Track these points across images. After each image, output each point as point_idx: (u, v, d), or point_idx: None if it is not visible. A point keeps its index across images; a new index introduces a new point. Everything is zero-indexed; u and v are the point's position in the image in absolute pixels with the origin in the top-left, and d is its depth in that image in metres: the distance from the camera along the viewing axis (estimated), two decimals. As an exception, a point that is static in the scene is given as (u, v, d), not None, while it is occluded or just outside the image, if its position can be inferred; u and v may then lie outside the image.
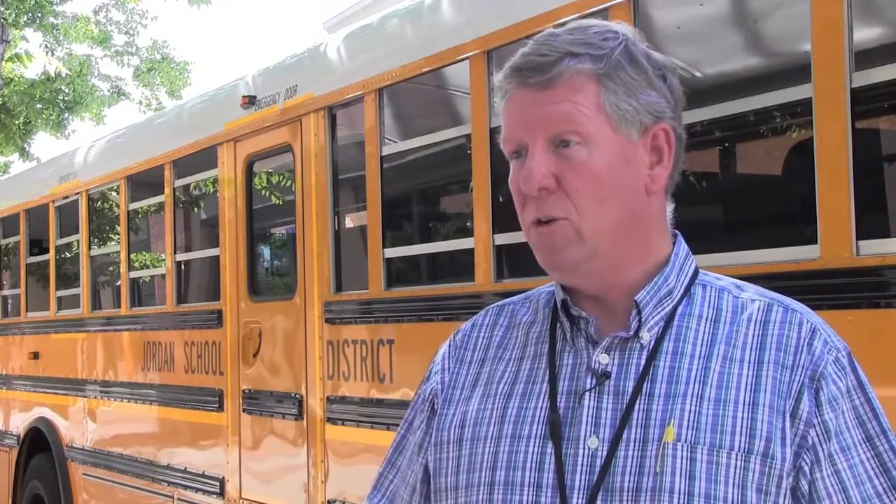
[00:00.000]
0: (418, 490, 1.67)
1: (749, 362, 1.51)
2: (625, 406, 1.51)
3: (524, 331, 1.65)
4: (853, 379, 1.53)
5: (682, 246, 1.60)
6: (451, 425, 1.62)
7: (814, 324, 1.55)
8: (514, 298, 1.71)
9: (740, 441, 1.47)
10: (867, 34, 3.44)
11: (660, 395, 1.50)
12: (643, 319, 1.54)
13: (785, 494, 1.48)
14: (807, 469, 1.49)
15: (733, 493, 1.45)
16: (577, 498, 1.49)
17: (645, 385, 1.51)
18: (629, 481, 1.47)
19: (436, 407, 1.66)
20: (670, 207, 1.60)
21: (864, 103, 3.34)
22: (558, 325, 1.60)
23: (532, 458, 1.53)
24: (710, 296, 1.58)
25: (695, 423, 1.48)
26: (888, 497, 1.51)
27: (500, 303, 1.72)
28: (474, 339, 1.69)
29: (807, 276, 3.35)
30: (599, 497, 1.48)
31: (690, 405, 1.49)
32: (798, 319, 1.54)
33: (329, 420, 5.63)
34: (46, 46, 20.58)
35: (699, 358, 1.52)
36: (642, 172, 1.53)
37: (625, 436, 1.49)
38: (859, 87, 3.28)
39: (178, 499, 7.18)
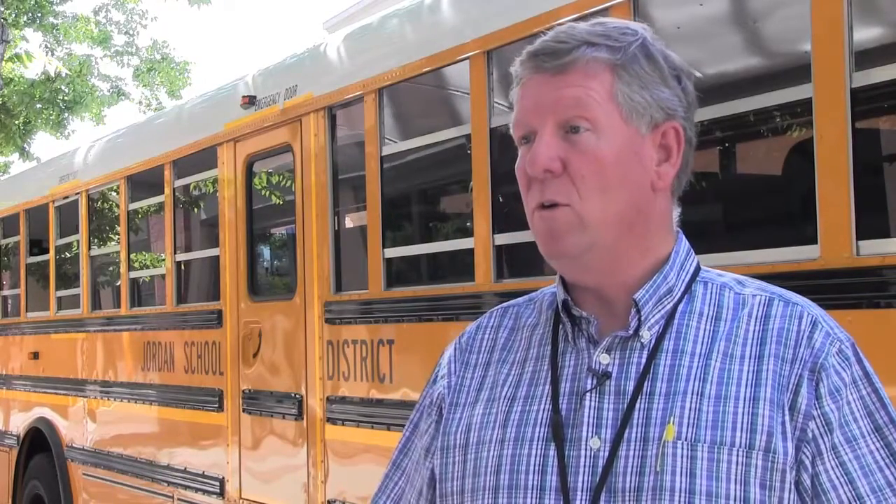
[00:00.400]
0: (424, 494, 1.67)
1: (750, 358, 1.50)
2: (626, 406, 1.50)
3: (528, 333, 1.64)
4: (858, 369, 1.51)
5: (683, 244, 1.60)
6: (456, 430, 1.61)
7: (815, 316, 1.53)
8: (519, 300, 1.70)
9: (741, 437, 1.46)
10: (867, 34, 3.44)
11: (660, 394, 1.50)
12: (643, 318, 1.53)
13: (790, 489, 1.47)
14: (808, 463, 1.48)
15: (736, 490, 1.44)
16: (581, 500, 1.48)
17: (646, 384, 1.50)
18: (631, 481, 1.47)
19: (443, 411, 1.66)
20: (677, 211, 1.60)
21: (864, 103, 3.34)
22: (561, 326, 1.59)
23: (535, 460, 1.52)
24: (711, 293, 1.57)
25: (695, 421, 1.47)
26: None
27: (505, 304, 1.71)
28: (479, 342, 1.68)
29: (807, 276, 3.35)
30: (602, 498, 1.47)
31: (690, 403, 1.48)
32: (798, 312, 1.53)
33: (329, 420, 5.63)
34: (46, 46, 20.58)
35: (700, 355, 1.51)
36: (649, 168, 1.53)
37: (626, 435, 1.49)
38: (859, 87, 3.28)
39: (178, 499, 7.18)
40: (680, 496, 1.45)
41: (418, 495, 1.68)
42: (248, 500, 6.38)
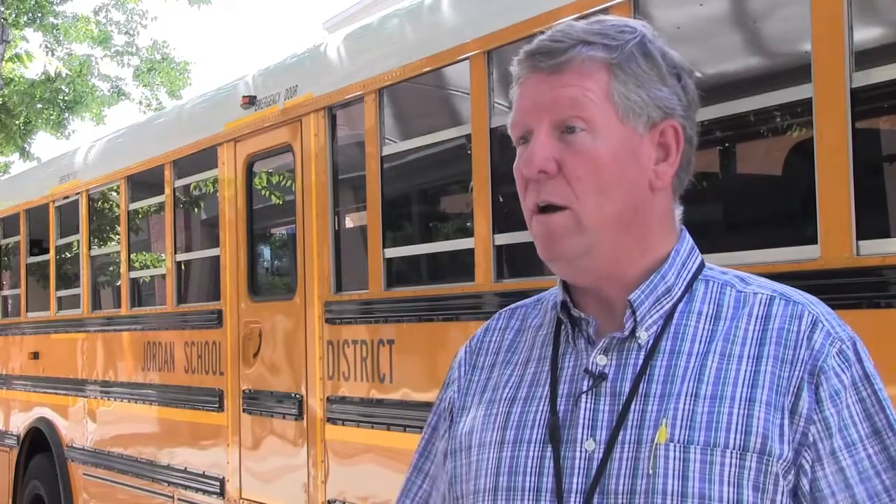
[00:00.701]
0: (448, 498, 1.66)
1: (748, 358, 1.48)
2: (621, 407, 1.49)
3: (532, 334, 1.63)
4: (859, 370, 1.49)
5: (686, 242, 1.58)
6: (461, 433, 1.61)
7: (816, 315, 1.51)
8: (528, 301, 1.70)
9: (735, 438, 1.44)
10: (867, 34, 3.44)
11: (655, 395, 1.48)
12: (639, 319, 1.52)
13: (783, 492, 1.45)
14: (807, 467, 1.45)
15: (728, 493, 1.43)
16: (575, 501, 1.47)
17: (641, 385, 1.49)
18: (624, 484, 1.46)
19: (454, 415, 1.66)
20: (679, 209, 1.59)
21: (864, 103, 3.34)
22: (563, 326, 1.58)
23: (532, 462, 1.52)
24: (712, 291, 1.55)
25: (689, 422, 1.45)
26: None
27: (514, 305, 1.71)
28: (487, 344, 1.68)
29: (807, 276, 3.35)
30: (595, 500, 1.46)
31: (685, 404, 1.47)
32: (799, 312, 1.51)
33: (329, 420, 5.63)
34: (46, 46, 20.58)
35: (696, 356, 1.50)
36: (647, 167, 1.51)
37: (620, 437, 1.47)
38: (859, 87, 3.28)
39: (179, 499, 7.18)
40: (672, 499, 1.43)
41: (443, 499, 1.68)
42: (248, 500, 6.38)
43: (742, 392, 1.46)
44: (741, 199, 4.19)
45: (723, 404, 1.46)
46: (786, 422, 1.45)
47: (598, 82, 1.49)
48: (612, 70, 1.50)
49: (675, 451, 1.45)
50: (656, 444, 1.45)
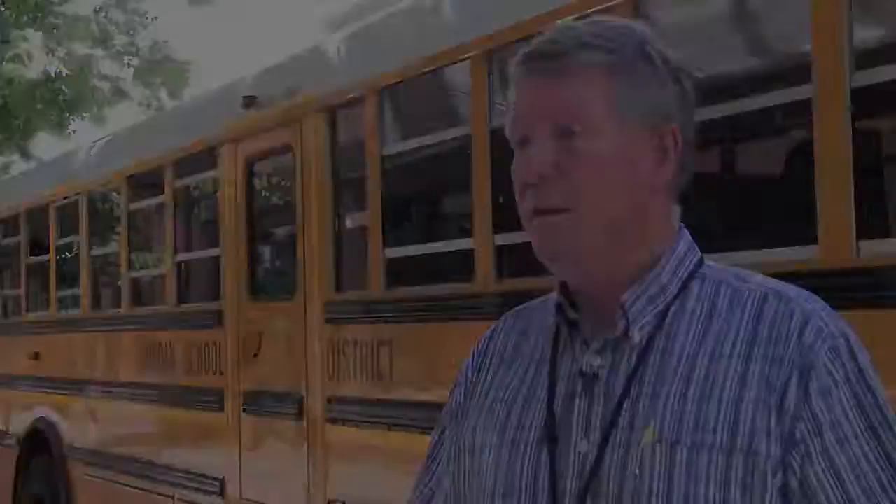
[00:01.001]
0: (449, 498, 1.66)
1: (738, 357, 1.47)
2: (613, 408, 1.48)
3: (535, 336, 1.63)
4: (853, 366, 1.47)
5: (684, 241, 1.57)
6: (465, 434, 1.62)
7: (808, 312, 1.49)
8: (534, 302, 1.69)
9: (722, 438, 1.43)
10: (867, 34, 3.44)
11: (646, 396, 1.47)
12: (631, 319, 1.51)
13: (772, 492, 1.43)
14: (796, 466, 1.43)
15: (715, 493, 1.41)
16: (568, 503, 1.47)
17: (633, 386, 1.48)
18: (613, 485, 1.45)
19: (458, 417, 1.66)
20: (677, 209, 1.58)
21: (864, 103, 3.34)
22: (561, 328, 1.58)
23: (529, 464, 1.52)
24: (707, 290, 1.54)
25: (677, 423, 1.44)
26: (893, 490, 1.44)
27: (520, 307, 1.70)
28: (492, 347, 1.68)
29: (807, 276, 3.35)
30: (588, 501, 1.46)
31: (673, 404, 1.46)
32: (791, 309, 1.49)
33: (329, 420, 5.63)
34: (46, 46, 20.57)
35: (687, 355, 1.49)
36: (645, 170, 1.51)
37: (611, 438, 1.47)
38: (859, 87, 3.28)
39: (179, 499, 7.18)
40: (657, 499, 1.42)
41: (444, 499, 1.68)
42: (248, 500, 6.38)
43: (730, 392, 1.45)
44: (741, 199, 4.19)
45: (710, 404, 1.45)
46: (773, 420, 1.44)
47: (597, 86, 1.48)
48: (611, 74, 1.49)
49: (661, 451, 1.44)
50: (643, 445, 1.45)
